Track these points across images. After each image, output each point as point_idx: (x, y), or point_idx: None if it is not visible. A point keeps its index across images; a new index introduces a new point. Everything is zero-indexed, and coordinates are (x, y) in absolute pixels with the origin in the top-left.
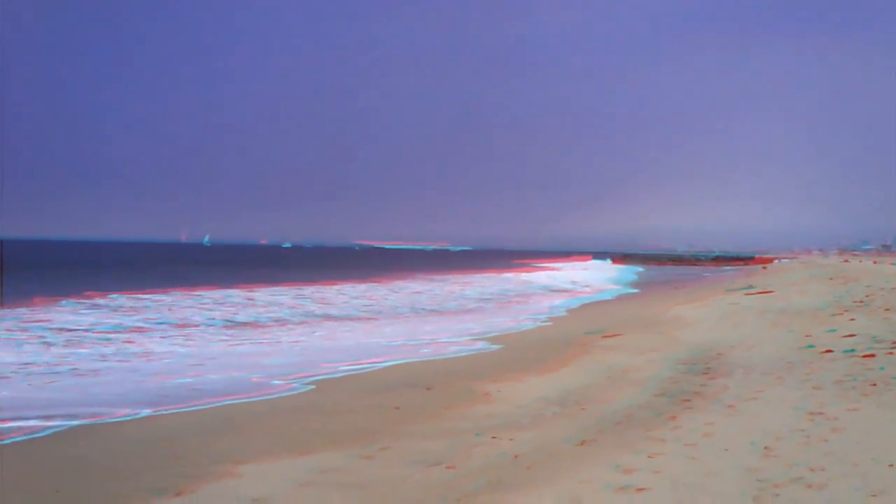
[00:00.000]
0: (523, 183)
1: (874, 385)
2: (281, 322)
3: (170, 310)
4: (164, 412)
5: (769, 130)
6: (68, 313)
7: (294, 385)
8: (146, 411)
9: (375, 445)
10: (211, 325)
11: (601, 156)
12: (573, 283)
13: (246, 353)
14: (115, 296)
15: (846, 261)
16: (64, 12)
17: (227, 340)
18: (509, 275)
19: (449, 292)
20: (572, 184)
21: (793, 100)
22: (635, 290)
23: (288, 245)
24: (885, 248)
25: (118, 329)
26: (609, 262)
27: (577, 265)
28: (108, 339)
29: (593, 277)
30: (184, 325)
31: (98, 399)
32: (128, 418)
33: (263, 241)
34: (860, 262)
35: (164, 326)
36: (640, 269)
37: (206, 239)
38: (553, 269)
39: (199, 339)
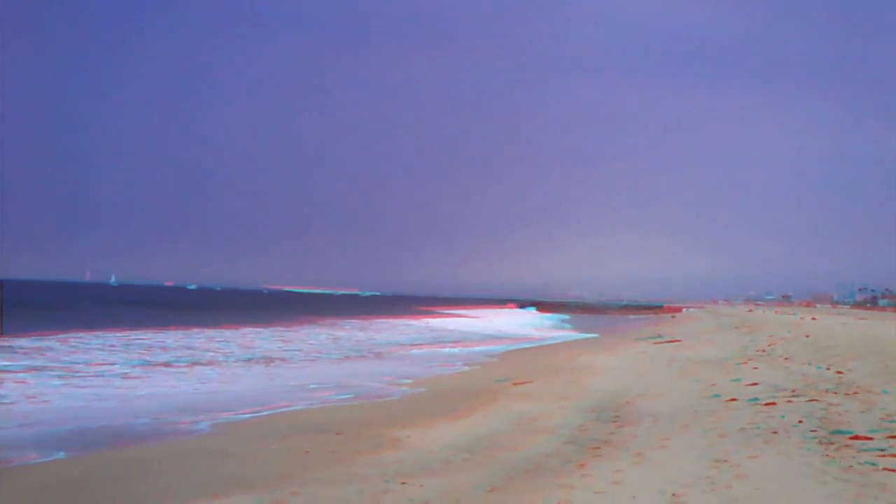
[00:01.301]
0: (433, 230)
1: (775, 433)
2: (191, 364)
3: (74, 352)
4: (64, 457)
5: (674, 180)
6: None
7: (203, 428)
8: (45, 457)
9: (285, 490)
10: (117, 367)
11: (507, 202)
12: (500, 330)
13: (157, 395)
14: (11, 339)
15: (751, 310)
16: None
17: (135, 383)
18: (426, 321)
19: (363, 337)
20: (481, 231)
21: (698, 153)
22: (594, 335)
23: (192, 287)
24: (786, 298)
25: (9, 369)
26: (534, 310)
27: (503, 312)
28: None
29: (525, 323)
30: (90, 366)
31: None
32: (25, 464)
33: (169, 283)
34: (763, 311)
35: (75, 366)
36: (566, 316)
37: (113, 278)
38: (474, 316)
39: (102, 381)
